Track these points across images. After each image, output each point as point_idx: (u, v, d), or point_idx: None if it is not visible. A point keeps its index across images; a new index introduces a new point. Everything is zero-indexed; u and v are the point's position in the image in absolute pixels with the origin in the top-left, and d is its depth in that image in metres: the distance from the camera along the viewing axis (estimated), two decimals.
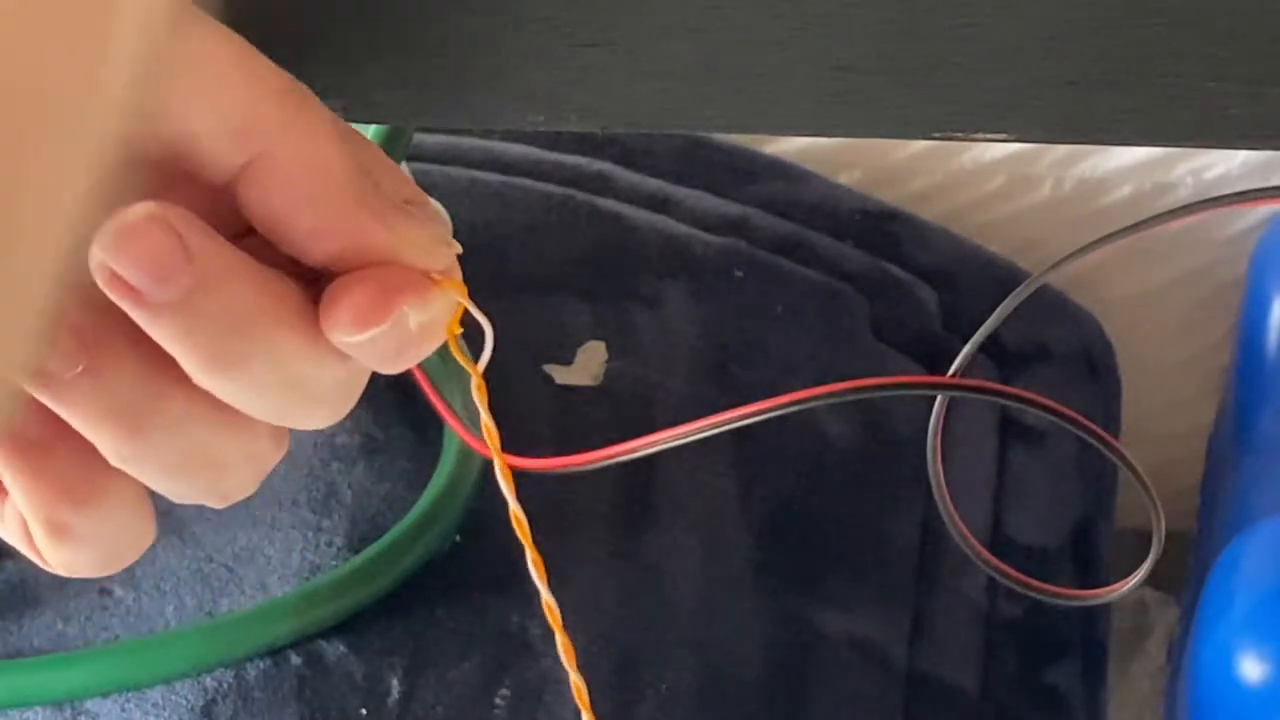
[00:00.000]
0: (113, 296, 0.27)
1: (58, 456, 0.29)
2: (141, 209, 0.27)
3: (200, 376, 0.29)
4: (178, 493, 0.31)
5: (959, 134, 0.38)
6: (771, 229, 0.89)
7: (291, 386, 0.30)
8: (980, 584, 0.82)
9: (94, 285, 0.27)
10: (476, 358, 0.35)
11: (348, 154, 0.30)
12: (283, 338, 0.29)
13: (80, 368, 0.28)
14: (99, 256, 0.27)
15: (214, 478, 0.31)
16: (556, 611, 0.29)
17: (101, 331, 0.28)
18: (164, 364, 0.29)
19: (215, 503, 0.32)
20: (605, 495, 0.75)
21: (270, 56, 0.40)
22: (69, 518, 0.29)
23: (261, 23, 0.39)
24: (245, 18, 0.39)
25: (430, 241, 0.30)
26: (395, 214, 0.30)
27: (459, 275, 0.32)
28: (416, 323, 0.30)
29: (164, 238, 0.27)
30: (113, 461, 0.29)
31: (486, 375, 0.80)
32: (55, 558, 0.30)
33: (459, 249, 0.31)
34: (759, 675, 0.73)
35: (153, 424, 0.29)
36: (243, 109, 0.29)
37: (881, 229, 0.93)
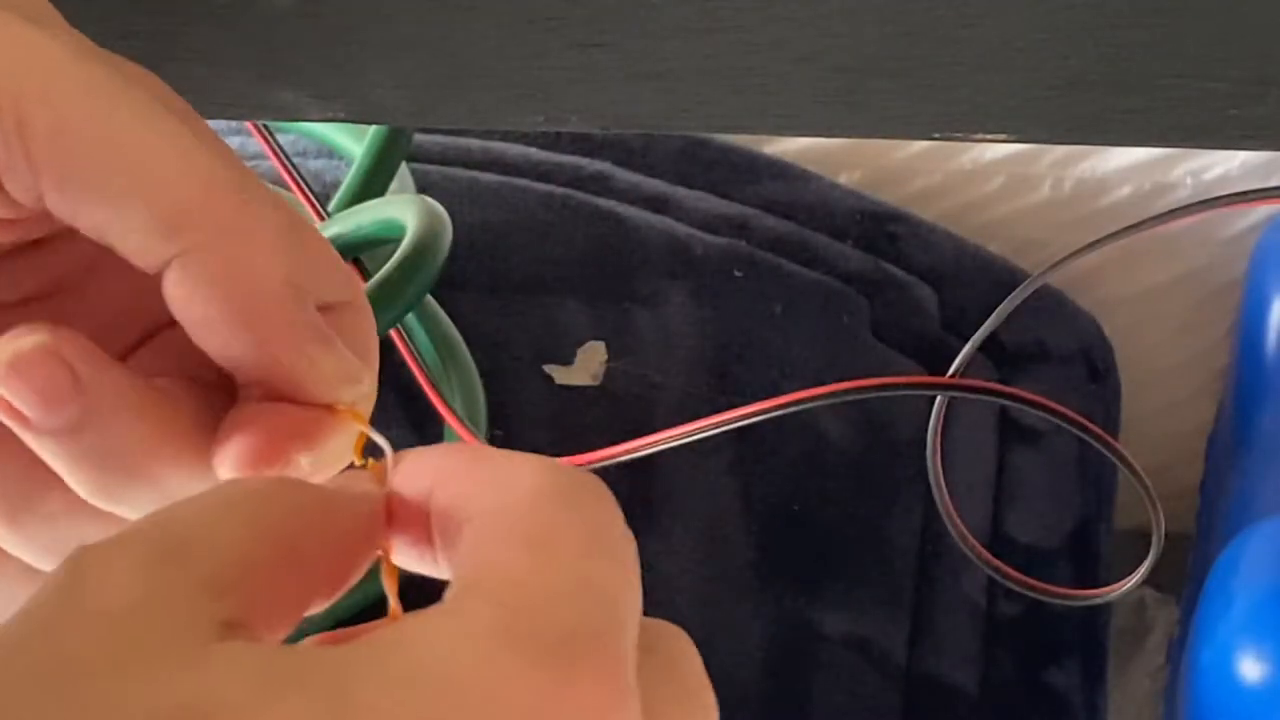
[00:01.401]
0: (2, 416, 0.27)
1: None
2: (32, 339, 0.27)
3: (84, 495, 0.29)
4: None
5: (959, 134, 0.39)
6: (771, 229, 0.89)
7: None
8: (980, 584, 0.83)
9: None
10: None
11: (282, 266, 0.28)
12: (169, 471, 0.29)
13: None
14: None
15: None
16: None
17: None
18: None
19: None
20: None
21: (271, 59, 0.40)
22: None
23: (262, 23, 0.39)
24: (245, 20, 0.39)
25: (342, 377, 0.29)
26: (315, 344, 0.29)
27: (370, 400, 0.31)
28: (309, 462, 0.30)
29: (55, 368, 0.27)
30: None
31: (487, 375, 0.80)
32: None
33: (371, 385, 0.30)
34: (759, 675, 0.73)
35: (28, 517, 0.29)
36: (175, 204, 0.28)
37: (881, 229, 0.93)
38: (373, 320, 0.32)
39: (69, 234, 0.30)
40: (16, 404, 0.27)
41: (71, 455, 0.28)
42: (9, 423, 0.27)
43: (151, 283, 0.29)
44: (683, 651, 0.27)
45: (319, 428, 0.29)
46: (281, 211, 0.29)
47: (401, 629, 0.23)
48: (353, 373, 0.30)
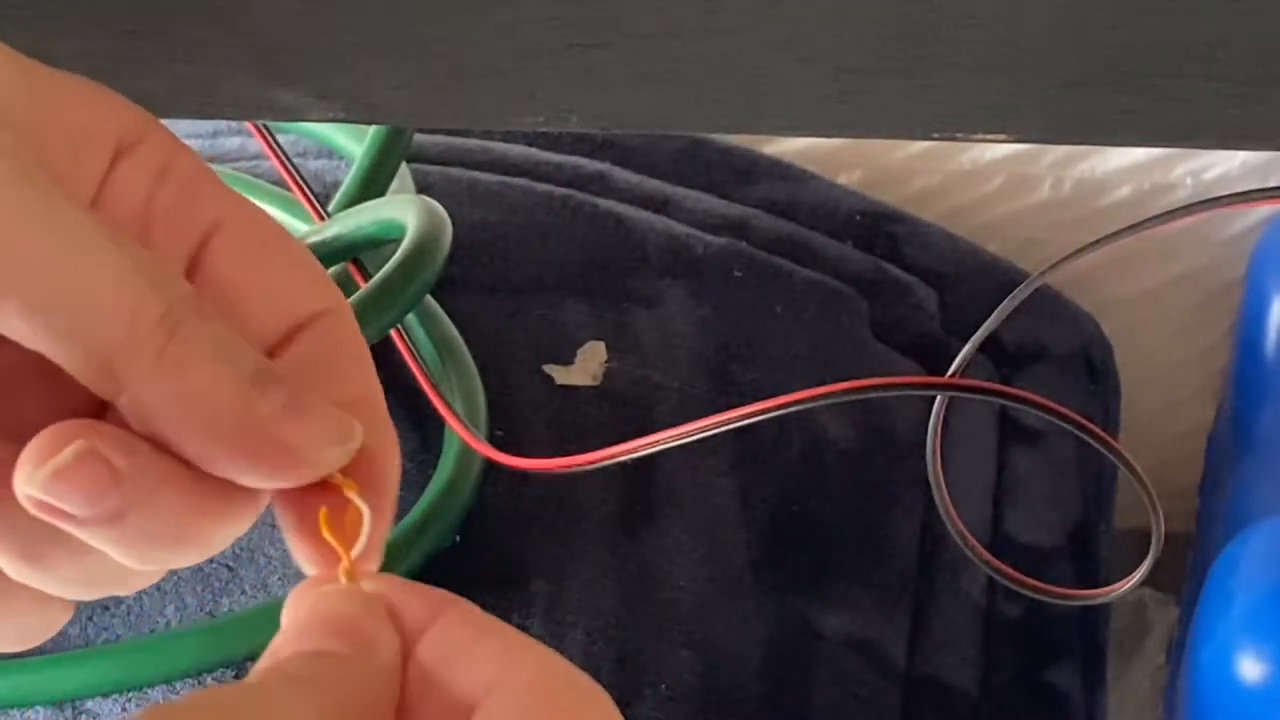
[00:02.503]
0: (42, 516, 0.28)
1: None
2: (71, 450, 0.27)
3: (133, 566, 0.29)
4: (80, 597, 0.31)
5: (959, 134, 0.39)
6: (771, 229, 0.89)
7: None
8: (980, 584, 0.82)
9: None
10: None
11: (226, 377, 0.28)
12: (212, 530, 0.29)
13: None
14: (28, 491, 0.27)
15: (116, 587, 0.31)
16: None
17: (5, 468, 0.28)
18: None
19: (122, 591, 0.32)
20: (605, 495, 0.75)
21: (271, 59, 0.40)
22: None
23: (262, 23, 0.39)
24: (245, 20, 0.39)
25: (322, 444, 0.29)
26: (284, 422, 0.28)
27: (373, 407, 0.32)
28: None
29: (94, 468, 0.27)
30: (11, 576, 0.30)
31: (487, 375, 0.80)
32: None
33: (356, 442, 0.30)
34: (759, 675, 0.73)
35: (53, 553, 0.29)
36: (104, 349, 0.28)
37: (881, 229, 0.93)
38: (354, 322, 0.32)
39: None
40: (59, 505, 0.28)
41: (119, 538, 0.28)
42: (52, 520, 0.28)
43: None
44: None
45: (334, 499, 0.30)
46: (203, 305, 0.29)
47: None
48: (338, 432, 0.29)
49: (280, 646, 0.28)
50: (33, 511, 0.28)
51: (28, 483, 0.27)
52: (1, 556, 0.30)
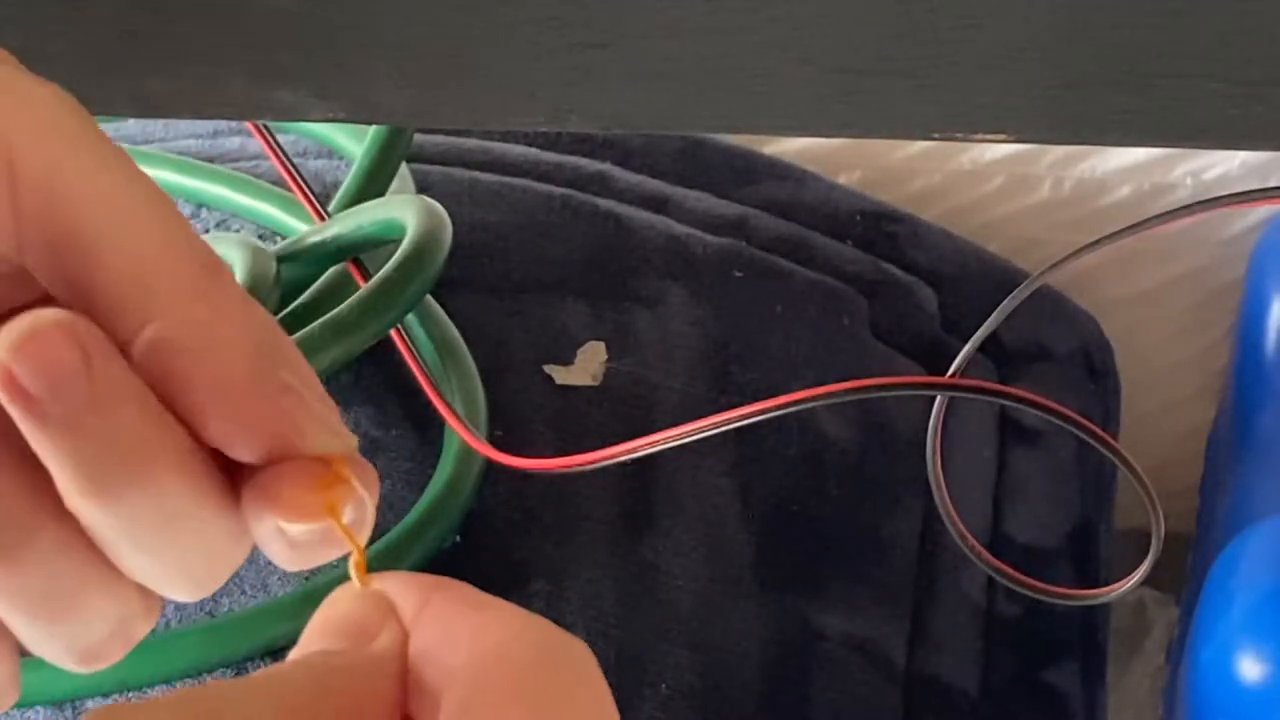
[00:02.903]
0: (3, 396, 0.28)
1: None
2: (51, 315, 0.27)
3: (76, 499, 0.29)
4: (37, 640, 0.31)
5: (959, 134, 0.39)
6: (771, 229, 0.89)
7: (166, 527, 0.30)
8: (980, 584, 0.83)
9: None
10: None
11: (247, 334, 0.29)
12: (170, 478, 0.29)
13: None
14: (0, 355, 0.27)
15: (78, 630, 0.31)
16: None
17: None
18: (43, 490, 0.29)
19: (74, 663, 0.31)
20: (605, 495, 0.75)
21: (271, 59, 0.40)
22: None
23: (262, 23, 0.39)
24: (245, 20, 0.39)
25: (321, 429, 0.29)
26: (295, 396, 0.29)
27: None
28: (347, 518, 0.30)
29: (68, 349, 0.27)
30: (25, 644, 0.30)
31: (487, 375, 0.80)
32: None
33: (351, 441, 0.30)
34: (759, 675, 0.73)
35: (22, 552, 0.29)
36: (152, 270, 0.28)
37: (881, 229, 0.93)
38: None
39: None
40: (24, 380, 0.27)
41: (71, 445, 0.28)
42: (10, 404, 0.27)
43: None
44: None
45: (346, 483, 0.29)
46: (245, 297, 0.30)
47: None
48: (337, 424, 0.30)
49: (293, 653, 0.28)
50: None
51: (1, 341, 0.27)
52: (16, 619, 0.30)
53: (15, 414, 0.27)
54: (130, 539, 0.29)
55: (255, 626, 0.67)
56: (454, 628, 0.27)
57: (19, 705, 0.68)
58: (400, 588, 0.28)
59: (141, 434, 0.28)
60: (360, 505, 0.29)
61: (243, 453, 0.29)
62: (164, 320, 0.28)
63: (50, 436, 0.28)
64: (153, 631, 0.67)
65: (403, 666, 0.27)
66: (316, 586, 0.68)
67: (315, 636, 0.28)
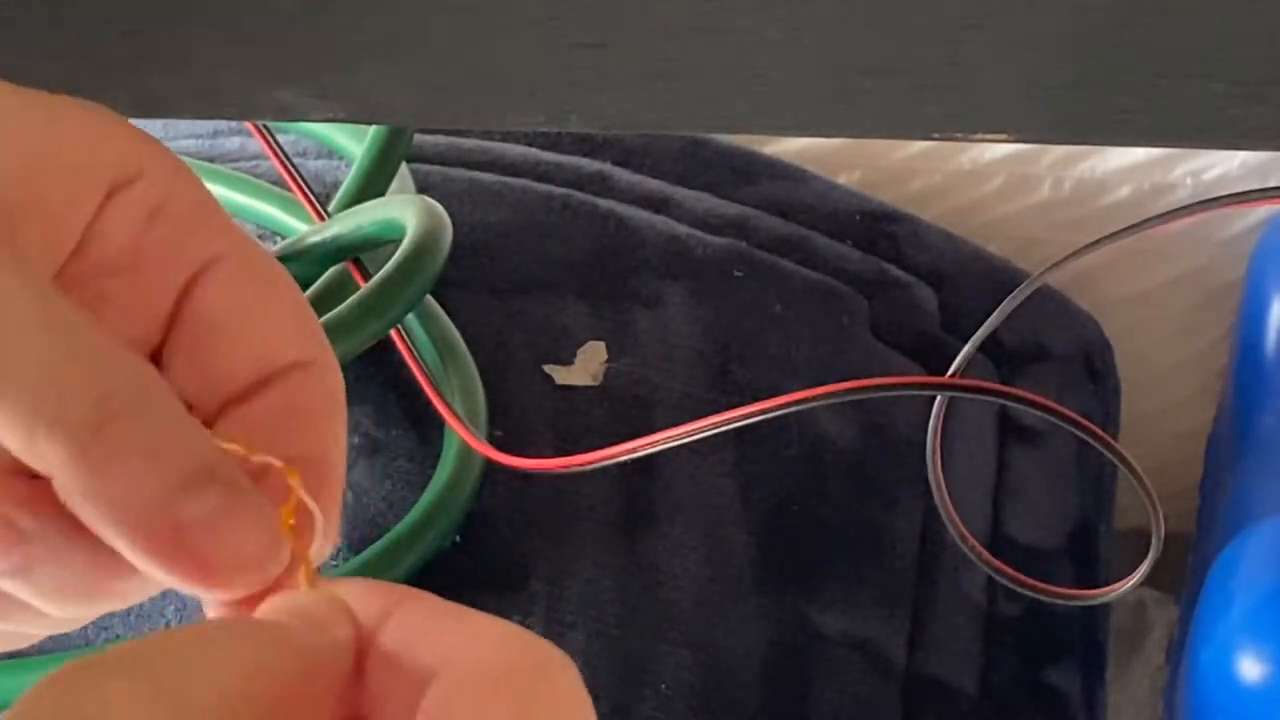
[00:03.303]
0: None
1: None
2: None
3: (54, 614, 0.29)
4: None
5: (959, 134, 0.39)
6: (771, 229, 0.89)
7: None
8: (980, 584, 0.83)
9: None
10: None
11: (155, 473, 0.28)
12: (129, 586, 0.29)
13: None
14: None
15: (37, 631, 0.32)
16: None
17: None
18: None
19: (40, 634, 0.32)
20: (605, 495, 0.75)
21: (271, 59, 0.40)
22: None
23: (262, 23, 0.39)
24: (245, 20, 0.39)
25: (238, 566, 0.28)
26: (205, 534, 0.28)
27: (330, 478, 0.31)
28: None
29: None
30: None
31: (487, 375, 0.80)
32: None
33: (278, 568, 0.29)
34: (759, 675, 0.73)
35: None
36: (30, 432, 0.27)
37: (881, 229, 0.93)
38: (335, 379, 0.31)
39: None
40: None
41: (29, 588, 0.29)
42: None
43: None
44: None
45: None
46: (150, 395, 0.28)
47: None
48: (258, 556, 0.28)
49: None
50: None
51: None
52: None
53: None
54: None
55: None
56: (434, 630, 0.27)
57: None
58: (360, 593, 0.28)
59: (91, 566, 0.29)
60: (308, 518, 0.29)
61: (176, 585, 0.29)
62: (55, 476, 0.28)
63: (5, 585, 0.29)
64: (152, 631, 0.67)
65: (352, 663, 0.27)
66: None
67: (264, 613, 0.28)
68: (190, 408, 0.30)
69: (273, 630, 0.26)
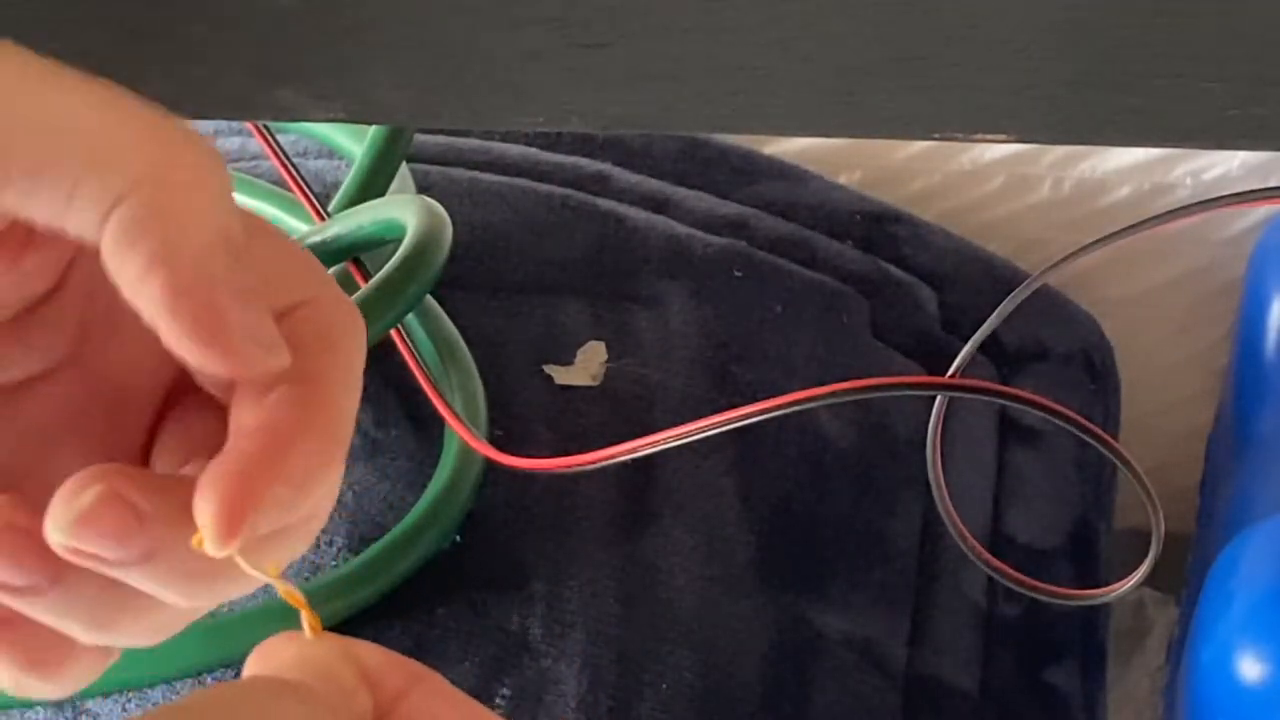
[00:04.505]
0: (77, 561, 0.28)
1: (22, 631, 0.30)
2: (91, 492, 0.28)
3: (183, 605, 0.30)
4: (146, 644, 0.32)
5: (959, 134, 0.39)
6: (771, 229, 0.89)
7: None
8: (980, 584, 0.83)
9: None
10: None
11: (212, 213, 0.28)
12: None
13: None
14: (58, 539, 0.28)
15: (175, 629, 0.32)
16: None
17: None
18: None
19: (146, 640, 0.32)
20: (605, 495, 0.75)
21: (271, 59, 0.40)
22: (35, 683, 0.30)
23: (262, 23, 0.39)
24: (245, 20, 0.39)
25: (250, 338, 0.28)
26: (229, 295, 0.28)
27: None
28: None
29: (119, 511, 0.28)
30: (83, 641, 0.30)
31: (487, 375, 0.80)
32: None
33: (282, 360, 0.29)
34: (759, 675, 0.73)
35: (120, 619, 0.30)
36: (105, 148, 0.28)
37: (881, 229, 0.93)
38: (338, 310, 0.31)
39: (74, 292, 0.30)
40: (89, 549, 0.28)
41: (155, 578, 0.29)
42: (86, 564, 0.28)
43: (163, 347, 0.28)
44: None
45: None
46: (217, 163, 0.29)
47: None
48: (263, 338, 0.29)
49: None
50: (68, 558, 0.28)
51: (55, 530, 0.28)
52: (73, 626, 0.30)
53: (93, 567, 0.28)
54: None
55: (255, 627, 0.67)
56: (452, 716, 0.28)
57: (19, 705, 0.68)
58: (379, 663, 0.28)
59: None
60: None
61: (189, 355, 0.28)
62: (120, 205, 0.28)
63: (134, 578, 0.29)
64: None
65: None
66: (317, 587, 0.68)
67: (287, 671, 0.28)
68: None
69: (310, 696, 0.27)
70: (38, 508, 0.29)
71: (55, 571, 0.29)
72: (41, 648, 0.30)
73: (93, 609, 0.29)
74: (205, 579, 0.29)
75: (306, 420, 0.30)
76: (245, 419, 0.29)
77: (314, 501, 0.30)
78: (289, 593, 0.29)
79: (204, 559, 0.28)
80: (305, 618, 0.29)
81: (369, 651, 0.29)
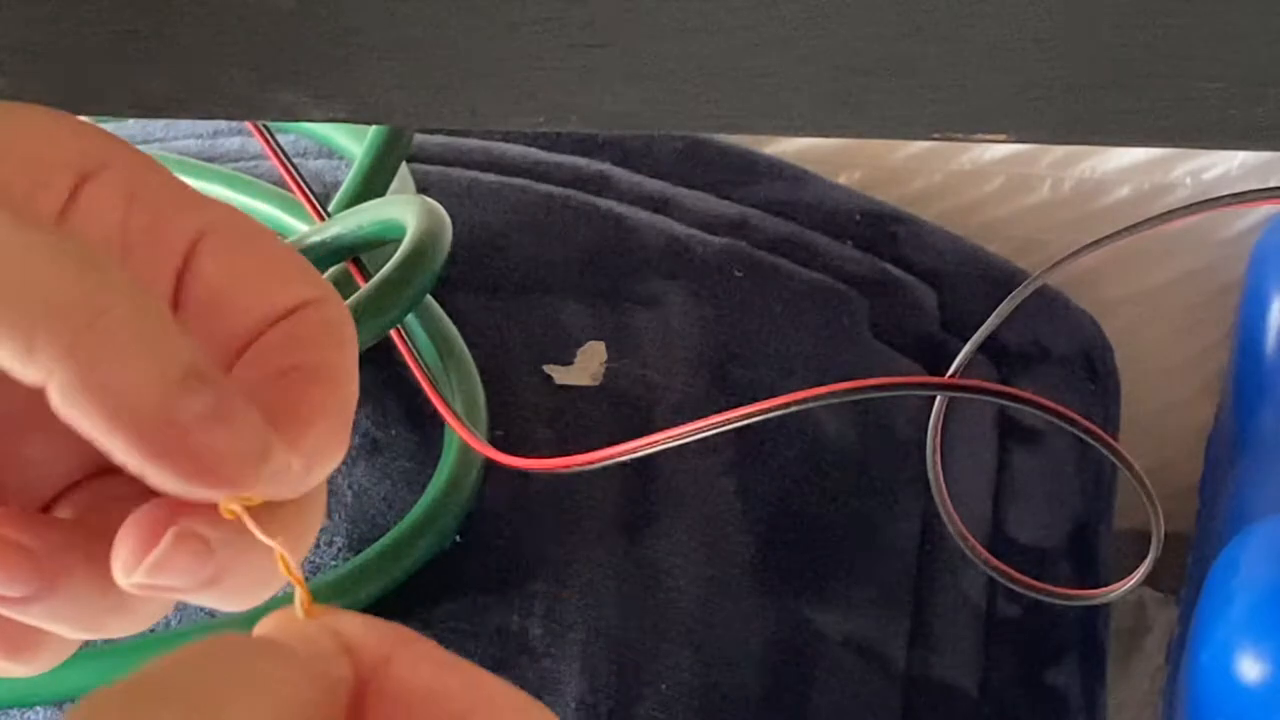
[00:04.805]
0: (146, 594, 0.29)
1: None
2: (168, 538, 0.28)
3: (226, 608, 0.30)
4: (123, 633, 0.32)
5: (959, 134, 0.39)
6: (771, 229, 0.89)
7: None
8: (980, 584, 0.83)
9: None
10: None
11: (150, 369, 0.28)
12: (142, 602, 0.30)
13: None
14: (130, 581, 0.28)
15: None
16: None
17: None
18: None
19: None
20: (605, 495, 0.75)
21: (271, 59, 0.40)
22: (14, 668, 0.31)
23: (262, 23, 0.39)
24: (245, 20, 0.39)
25: (238, 460, 0.28)
26: (202, 430, 0.28)
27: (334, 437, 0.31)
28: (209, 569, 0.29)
29: (190, 548, 0.28)
30: (66, 635, 0.31)
31: (487, 375, 0.79)
32: None
33: (275, 464, 0.29)
34: (759, 675, 0.73)
35: (111, 622, 0.30)
36: (26, 326, 0.27)
37: (881, 229, 0.93)
38: (336, 310, 0.32)
39: None
40: (162, 585, 0.29)
41: (217, 597, 0.29)
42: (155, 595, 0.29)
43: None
44: None
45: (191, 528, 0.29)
46: (141, 299, 0.28)
47: None
48: (255, 452, 0.28)
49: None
50: (137, 593, 0.29)
51: (130, 575, 0.28)
52: (62, 628, 0.30)
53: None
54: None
55: (254, 626, 0.67)
56: (438, 681, 0.27)
57: (19, 705, 0.68)
58: (360, 630, 0.28)
59: (269, 561, 0.29)
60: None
61: (177, 490, 0.28)
62: (52, 379, 0.27)
63: (193, 597, 0.29)
64: (152, 630, 0.67)
65: (348, 700, 0.27)
66: (317, 587, 0.68)
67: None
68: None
69: (287, 658, 0.27)
70: (11, 498, 0.29)
71: (49, 581, 0.29)
72: (19, 635, 0.30)
73: (84, 613, 0.30)
74: (259, 593, 0.30)
75: (323, 400, 0.30)
76: (258, 394, 0.30)
77: (316, 478, 0.30)
78: (285, 561, 0.29)
79: (263, 575, 0.29)
80: (299, 594, 0.29)
81: (349, 619, 0.29)
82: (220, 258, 0.31)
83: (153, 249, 0.31)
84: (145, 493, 0.29)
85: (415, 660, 0.28)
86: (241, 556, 0.29)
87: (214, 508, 0.29)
